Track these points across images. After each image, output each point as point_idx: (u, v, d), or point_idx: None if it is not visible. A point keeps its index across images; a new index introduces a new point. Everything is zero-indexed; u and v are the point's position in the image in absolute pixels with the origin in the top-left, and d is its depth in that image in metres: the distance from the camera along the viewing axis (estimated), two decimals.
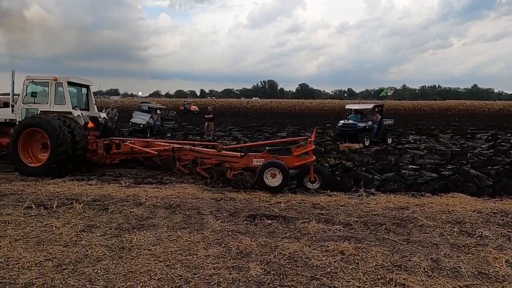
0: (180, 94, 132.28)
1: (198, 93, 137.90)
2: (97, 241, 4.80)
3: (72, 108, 9.90)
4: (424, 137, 19.13)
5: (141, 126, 18.63)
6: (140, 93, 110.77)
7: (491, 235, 5.24)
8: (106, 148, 9.94)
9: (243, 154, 8.30)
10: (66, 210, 6.15)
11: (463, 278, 4.02)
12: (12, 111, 10.11)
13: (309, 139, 8.09)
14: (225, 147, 9.10)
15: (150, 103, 22.93)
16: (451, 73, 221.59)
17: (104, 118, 11.40)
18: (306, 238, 5.06)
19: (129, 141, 10.14)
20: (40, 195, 7.12)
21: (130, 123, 19.28)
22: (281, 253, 4.57)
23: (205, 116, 19.14)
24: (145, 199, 6.88)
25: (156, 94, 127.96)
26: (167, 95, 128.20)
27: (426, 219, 5.87)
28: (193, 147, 9.09)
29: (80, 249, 4.57)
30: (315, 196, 7.38)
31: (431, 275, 4.07)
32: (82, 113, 10.15)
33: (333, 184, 8.03)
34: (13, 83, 10.23)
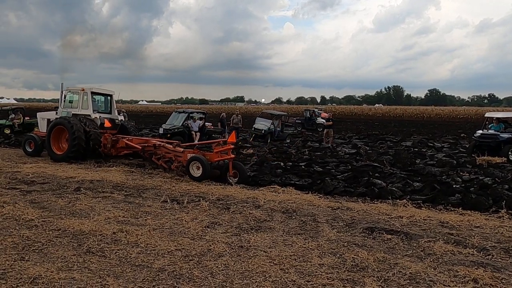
0: (300, 101, 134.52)
1: (318, 100, 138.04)
2: (219, 238, 5.18)
3: (93, 111, 12.41)
4: None
5: (263, 131, 19.45)
6: (263, 100, 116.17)
7: None
8: (113, 143, 12.02)
9: (182, 150, 9.91)
10: (195, 206, 6.80)
11: None
12: (56, 113, 13.18)
13: (225, 140, 9.80)
14: (182, 144, 10.84)
15: (273, 111, 23.83)
16: None
17: (122, 120, 14.18)
18: (431, 259, 4.61)
19: (126, 138, 12.01)
20: (174, 191, 8.01)
21: (253, 129, 20.30)
22: (400, 271, 4.26)
23: (324, 123, 19.02)
24: (264, 202, 7.15)
25: (277, 101, 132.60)
26: (288, 102, 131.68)
27: None
28: (156, 144, 10.69)
29: (204, 243, 4.99)
30: (443, 213, 6.68)
31: None
32: (100, 116, 12.55)
33: (467, 202, 7.15)
34: (61, 93, 13.04)
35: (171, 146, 10.36)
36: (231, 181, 9.07)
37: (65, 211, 6.36)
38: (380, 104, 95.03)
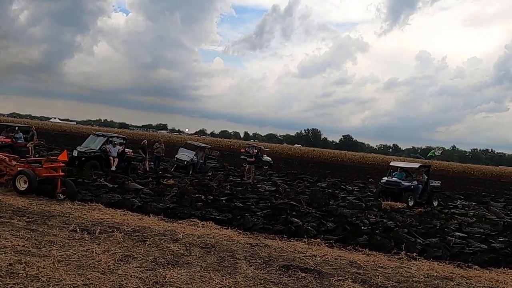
0: (224, 134, 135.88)
1: (242, 135, 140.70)
2: (133, 272, 4.90)
3: None
4: (474, 203, 18.04)
5: (185, 162, 19.17)
6: (186, 130, 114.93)
7: None
8: None
9: (14, 164, 9.90)
10: (107, 237, 6.37)
11: None
12: None
13: (57, 157, 10.09)
14: (21, 159, 10.57)
15: (197, 142, 23.67)
16: (505, 138, 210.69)
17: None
18: None
19: None
20: (85, 220, 7.44)
21: (175, 159, 19.92)
22: None
23: (247, 159, 19.41)
24: (182, 235, 6.97)
25: (201, 132, 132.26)
26: (212, 134, 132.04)
27: None
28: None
29: (116, 278, 4.67)
30: (353, 253, 7.13)
31: None
32: None
33: (373, 244, 7.75)
34: None
35: (8, 159, 10.11)
36: (59, 197, 9.29)
37: None
38: (299, 145, 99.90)
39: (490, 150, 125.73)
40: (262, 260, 6.08)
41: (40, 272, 4.57)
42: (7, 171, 9.90)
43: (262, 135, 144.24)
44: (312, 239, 7.82)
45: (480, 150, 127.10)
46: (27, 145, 18.80)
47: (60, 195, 9.36)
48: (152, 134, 79.05)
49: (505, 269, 6.95)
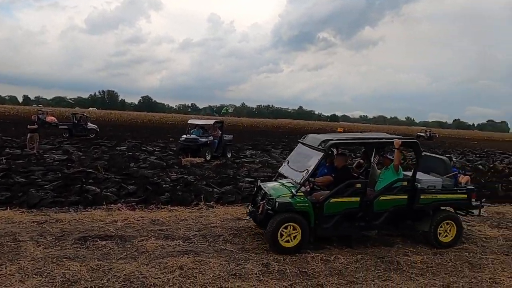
0: None
1: (20, 100, 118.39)
2: None
3: None
4: (259, 152, 20.89)
5: None
6: None
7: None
8: None
9: None
10: None
11: (288, 278, 4.50)
12: None
13: None
14: None
15: None
16: (281, 95, 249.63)
17: None
18: (144, 257, 4.86)
19: None
20: None
21: None
22: (115, 275, 4.27)
23: (28, 126, 16.49)
24: None
25: None
26: None
27: None
28: None
29: None
30: (155, 212, 7.20)
31: (262, 279, 4.42)
32: None
33: (175, 199, 8.01)
34: None
35: None
36: None
37: None
38: (94, 108, 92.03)
39: (271, 106, 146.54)
40: (54, 237, 5.44)
41: None
42: None
43: (48, 98, 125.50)
44: (113, 205, 7.47)
45: (263, 106, 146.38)
46: None
47: None
48: None
49: None
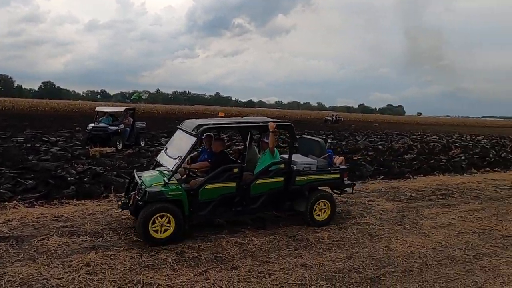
0: None
1: None
2: None
3: None
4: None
5: None
6: None
7: (225, 223, 6.06)
8: None
9: None
10: None
11: (202, 264, 4.50)
12: None
13: None
14: None
15: None
16: (197, 81, 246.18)
17: None
18: (45, 257, 4.47)
19: None
20: None
21: None
22: (10, 280, 3.87)
23: None
24: None
25: None
26: None
27: None
28: None
29: None
30: (58, 207, 6.63)
31: (176, 268, 4.35)
32: None
33: (81, 192, 7.46)
34: None
35: None
36: None
37: None
38: None
39: (187, 92, 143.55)
40: None
41: None
42: None
43: None
44: (7, 203, 6.69)
45: (179, 92, 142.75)
46: None
47: None
48: None
49: None
